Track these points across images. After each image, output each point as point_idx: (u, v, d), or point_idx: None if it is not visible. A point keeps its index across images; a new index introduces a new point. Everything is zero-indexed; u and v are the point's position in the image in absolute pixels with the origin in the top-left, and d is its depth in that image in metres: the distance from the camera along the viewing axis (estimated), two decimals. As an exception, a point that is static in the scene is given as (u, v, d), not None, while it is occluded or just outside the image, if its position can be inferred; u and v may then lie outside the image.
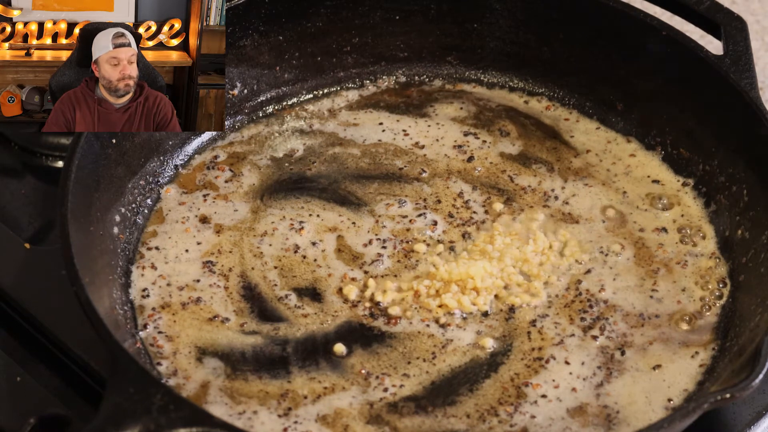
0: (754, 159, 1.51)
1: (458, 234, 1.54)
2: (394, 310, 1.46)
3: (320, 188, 1.60)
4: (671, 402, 1.38)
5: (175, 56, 1.59)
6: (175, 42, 1.59)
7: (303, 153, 1.64)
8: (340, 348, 1.42)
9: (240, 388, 1.39)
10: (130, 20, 1.56)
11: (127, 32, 1.48)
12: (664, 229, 1.55)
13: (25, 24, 1.54)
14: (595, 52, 1.66)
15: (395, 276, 1.50)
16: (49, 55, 1.55)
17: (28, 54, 1.55)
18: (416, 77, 1.74)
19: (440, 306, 1.46)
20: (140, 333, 1.43)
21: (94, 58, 1.49)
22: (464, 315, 1.46)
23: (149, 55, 1.55)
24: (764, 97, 1.60)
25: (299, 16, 1.68)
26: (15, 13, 1.53)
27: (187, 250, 1.52)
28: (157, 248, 1.52)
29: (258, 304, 1.47)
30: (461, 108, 1.70)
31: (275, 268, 1.50)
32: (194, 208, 1.57)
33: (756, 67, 1.57)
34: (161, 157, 1.59)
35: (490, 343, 1.43)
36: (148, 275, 1.49)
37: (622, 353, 1.43)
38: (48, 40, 1.55)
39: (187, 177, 1.60)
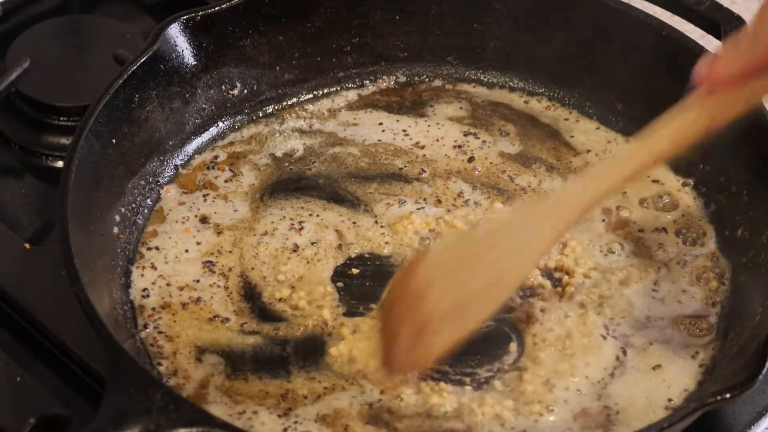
0: (754, 159, 1.51)
1: (458, 234, 1.55)
2: (394, 310, 1.46)
3: (320, 188, 1.60)
4: (671, 402, 1.38)
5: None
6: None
7: (303, 153, 1.64)
8: (340, 348, 1.43)
9: (240, 388, 1.39)
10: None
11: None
12: (664, 229, 1.55)
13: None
14: (595, 52, 1.66)
15: (395, 276, 1.50)
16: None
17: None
18: (416, 77, 1.74)
19: (440, 306, 1.46)
20: (140, 333, 1.43)
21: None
22: (464, 315, 1.46)
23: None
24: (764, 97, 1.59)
25: (299, 16, 1.68)
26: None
27: (187, 250, 1.52)
28: (157, 248, 1.52)
29: (258, 304, 1.47)
30: (461, 108, 1.70)
31: (275, 267, 1.50)
32: (194, 208, 1.57)
33: (756, 67, 1.57)
34: (161, 157, 1.59)
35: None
36: (148, 275, 1.49)
37: (623, 353, 1.43)
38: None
39: (187, 177, 1.60)
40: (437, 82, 1.74)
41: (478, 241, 1.35)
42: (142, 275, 1.49)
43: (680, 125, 1.33)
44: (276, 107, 1.69)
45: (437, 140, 1.66)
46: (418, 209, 1.57)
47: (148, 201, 1.56)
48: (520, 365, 1.41)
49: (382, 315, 1.38)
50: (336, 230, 1.54)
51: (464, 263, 1.34)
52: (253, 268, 1.50)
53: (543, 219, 1.34)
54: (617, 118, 1.67)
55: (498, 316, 1.44)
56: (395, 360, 1.36)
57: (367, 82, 1.73)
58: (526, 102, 1.71)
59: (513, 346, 1.43)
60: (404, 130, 1.67)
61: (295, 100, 1.70)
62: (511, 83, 1.73)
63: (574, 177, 1.42)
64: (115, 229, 1.49)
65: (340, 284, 1.49)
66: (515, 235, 1.33)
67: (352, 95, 1.71)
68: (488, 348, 1.42)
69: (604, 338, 1.43)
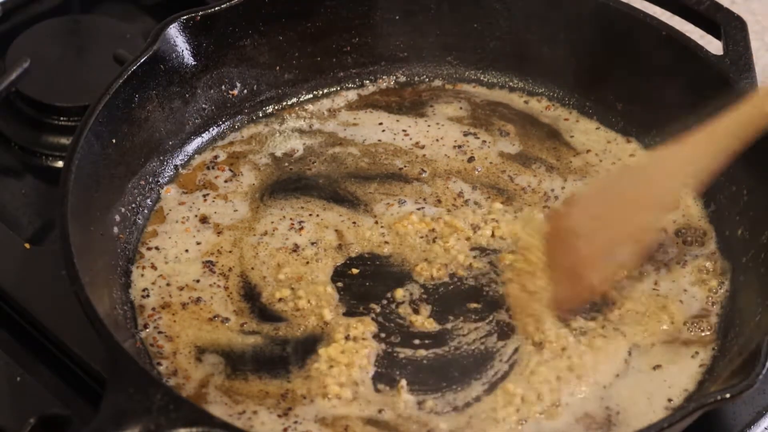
0: (754, 159, 1.51)
1: (458, 234, 1.55)
2: (394, 310, 1.46)
3: (320, 188, 1.60)
4: (671, 402, 1.38)
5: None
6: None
7: (303, 153, 1.64)
8: (340, 348, 1.43)
9: (240, 388, 1.39)
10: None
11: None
12: (664, 230, 1.55)
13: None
14: (595, 52, 1.66)
15: (395, 276, 1.50)
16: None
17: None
18: (416, 77, 1.74)
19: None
20: (140, 333, 1.43)
21: None
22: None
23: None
24: (764, 97, 1.59)
25: (299, 16, 1.68)
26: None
27: (187, 250, 1.52)
28: (157, 248, 1.52)
29: (258, 304, 1.47)
30: (461, 108, 1.70)
31: (275, 267, 1.50)
32: (194, 208, 1.57)
33: (756, 67, 1.57)
34: (161, 157, 1.59)
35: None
36: (148, 275, 1.49)
37: (629, 354, 1.42)
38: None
39: (187, 177, 1.60)
40: (437, 82, 1.74)
41: (619, 180, 1.50)
42: (142, 275, 1.49)
43: None
44: (276, 107, 1.69)
45: (437, 140, 1.66)
46: (418, 209, 1.57)
47: (148, 201, 1.56)
48: (523, 368, 1.41)
49: (547, 255, 1.46)
50: (336, 230, 1.54)
51: (609, 201, 1.46)
52: (253, 268, 1.50)
53: (679, 157, 1.44)
54: (617, 118, 1.67)
55: (502, 321, 1.45)
56: (558, 294, 1.44)
57: (367, 82, 1.73)
58: (526, 102, 1.71)
59: (517, 349, 1.43)
60: (404, 130, 1.67)
61: (295, 100, 1.70)
62: (511, 83, 1.73)
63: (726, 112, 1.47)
64: (115, 229, 1.49)
65: (340, 284, 1.49)
66: (656, 171, 1.45)
67: (352, 95, 1.71)
68: (492, 351, 1.43)
69: (614, 340, 1.43)
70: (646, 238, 1.47)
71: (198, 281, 1.49)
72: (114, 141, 1.51)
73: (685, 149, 1.43)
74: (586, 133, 1.67)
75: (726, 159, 1.42)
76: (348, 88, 1.72)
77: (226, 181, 1.60)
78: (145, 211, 1.55)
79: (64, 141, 1.68)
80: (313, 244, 1.53)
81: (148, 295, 1.47)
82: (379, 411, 1.36)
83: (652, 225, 1.47)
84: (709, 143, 1.42)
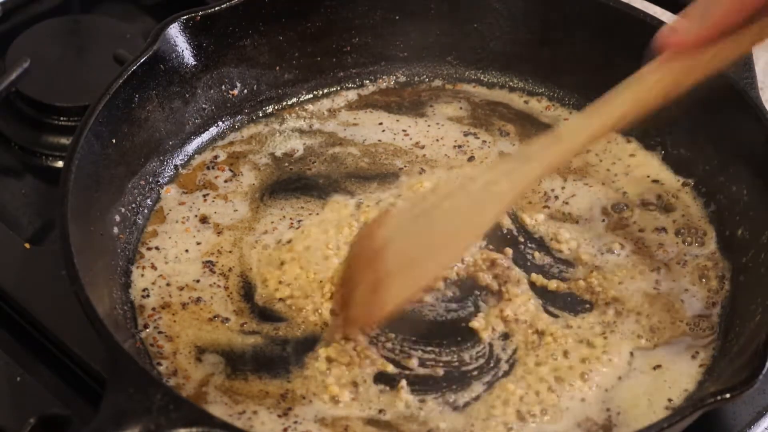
0: (754, 159, 1.51)
1: (458, 234, 1.54)
2: (394, 310, 1.46)
3: (320, 188, 1.60)
4: (671, 402, 1.38)
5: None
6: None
7: (303, 153, 1.64)
8: (340, 348, 1.42)
9: (240, 388, 1.39)
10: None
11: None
12: (664, 229, 1.55)
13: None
14: (595, 52, 1.66)
15: (395, 276, 1.50)
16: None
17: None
18: (416, 77, 1.74)
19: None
20: (140, 333, 1.43)
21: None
22: (464, 315, 1.46)
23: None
24: (764, 97, 1.59)
25: (299, 16, 1.68)
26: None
27: (187, 250, 1.52)
28: (157, 248, 1.52)
29: (258, 304, 1.47)
30: (461, 108, 1.70)
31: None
32: (194, 208, 1.57)
33: (756, 67, 1.57)
34: (161, 157, 1.59)
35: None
36: (148, 275, 1.49)
37: (631, 355, 1.42)
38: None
39: (187, 177, 1.60)
40: (437, 82, 1.74)
41: (435, 203, 1.37)
42: (142, 275, 1.49)
43: (642, 88, 1.35)
44: (276, 107, 1.69)
45: (437, 140, 1.66)
46: (418, 209, 1.57)
47: (148, 201, 1.56)
48: (523, 368, 1.41)
49: (343, 270, 1.41)
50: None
51: (420, 222, 1.37)
52: (252, 268, 1.50)
53: (499, 182, 1.35)
54: (617, 118, 1.67)
55: (507, 326, 1.45)
56: (350, 312, 1.38)
57: (367, 82, 1.73)
58: (526, 102, 1.71)
59: (517, 349, 1.43)
60: (404, 130, 1.67)
61: (295, 100, 1.70)
62: (511, 83, 1.73)
63: (531, 140, 1.42)
64: (115, 229, 1.49)
65: (340, 284, 1.49)
66: (471, 197, 1.36)
67: (352, 95, 1.71)
68: (495, 353, 1.43)
69: (615, 341, 1.43)
70: (450, 261, 1.42)
71: (198, 281, 1.49)
72: (114, 141, 1.51)
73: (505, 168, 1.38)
74: (586, 133, 1.67)
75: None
76: (348, 88, 1.72)
77: (226, 181, 1.60)
78: (145, 211, 1.55)
79: (64, 141, 1.68)
80: (313, 244, 1.53)
81: (148, 295, 1.47)
82: (380, 411, 1.36)
83: (457, 250, 1.41)
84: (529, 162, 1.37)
